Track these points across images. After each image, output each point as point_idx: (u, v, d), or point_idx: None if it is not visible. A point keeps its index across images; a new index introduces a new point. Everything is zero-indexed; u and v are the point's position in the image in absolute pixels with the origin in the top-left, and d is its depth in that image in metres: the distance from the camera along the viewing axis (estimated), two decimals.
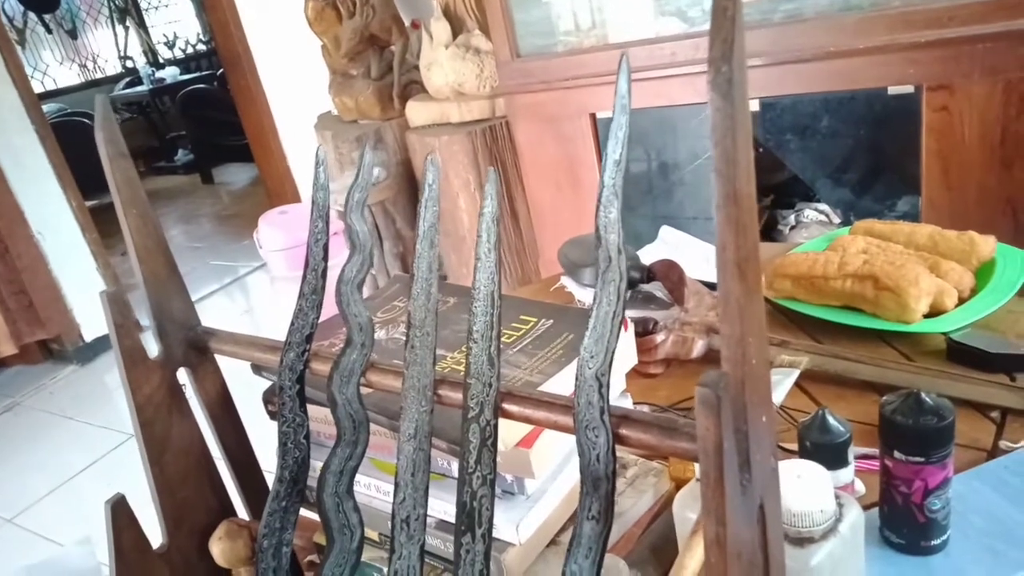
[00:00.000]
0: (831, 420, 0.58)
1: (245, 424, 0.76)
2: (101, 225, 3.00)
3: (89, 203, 3.09)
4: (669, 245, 1.23)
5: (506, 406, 0.50)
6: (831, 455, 0.56)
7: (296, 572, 0.65)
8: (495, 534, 0.60)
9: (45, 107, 3.47)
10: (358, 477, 0.67)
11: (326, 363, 0.59)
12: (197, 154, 5.71)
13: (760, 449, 0.38)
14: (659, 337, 0.95)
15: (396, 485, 0.53)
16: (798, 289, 0.98)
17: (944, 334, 0.88)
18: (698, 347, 0.95)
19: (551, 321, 0.68)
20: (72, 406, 2.73)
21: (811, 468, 0.51)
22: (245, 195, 5.09)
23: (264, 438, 0.74)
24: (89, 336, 3.01)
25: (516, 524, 0.60)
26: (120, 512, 0.66)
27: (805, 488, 0.50)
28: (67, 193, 2.96)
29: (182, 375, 0.71)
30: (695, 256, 1.19)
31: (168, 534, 0.70)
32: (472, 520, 0.49)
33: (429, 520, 0.64)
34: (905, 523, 0.61)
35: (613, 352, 0.44)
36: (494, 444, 0.50)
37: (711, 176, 0.33)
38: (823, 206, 2.04)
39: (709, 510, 0.35)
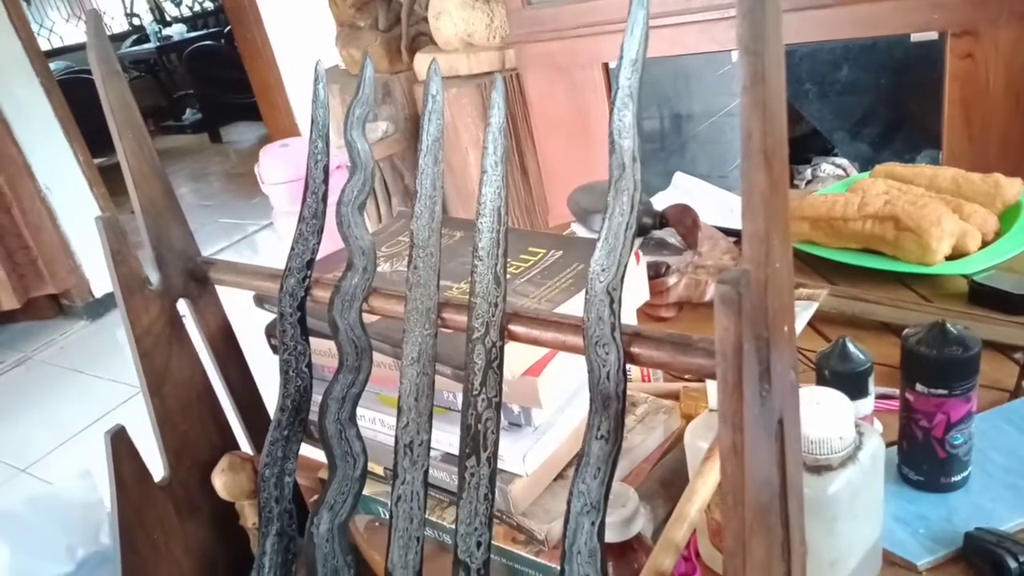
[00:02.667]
0: (852, 348, 0.55)
1: (248, 362, 0.75)
2: (109, 184, 2.98)
3: (97, 161, 3.07)
4: (682, 191, 1.20)
5: (513, 327, 0.48)
6: (851, 385, 0.54)
7: (299, 504, 0.64)
8: (501, 466, 0.59)
9: (52, 65, 3.43)
10: (363, 411, 0.66)
11: (327, 290, 0.57)
12: (205, 113, 5.66)
13: (781, 360, 0.36)
14: (671, 280, 0.93)
15: (399, 410, 0.51)
16: (816, 232, 0.95)
17: (966, 276, 0.85)
18: (711, 290, 0.93)
19: (560, 252, 0.66)
20: (82, 360, 2.74)
21: (830, 394, 0.49)
22: (253, 154, 5.04)
23: (268, 376, 0.73)
24: (99, 292, 3.01)
25: (523, 455, 0.58)
26: (120, 443, 0.65)
27: (824, 414, 0.48)
28: (74, 147, 2.94)
29: (183, 308, 0.70)
30: (709, 203, 1.16)
31: (170, 467, 0.69)
32: (477, 443, 0.48)
33: (434, 453, 0.63)
34: (925, 459, 0.59)
35: (626, 266, 0.42)
36: (500, 366, 0.48)
37: (738, 62, 0.31)
38: (841, 160, 2.00)
39: (726, 417, 0.33)
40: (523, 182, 2.39)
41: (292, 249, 0.57)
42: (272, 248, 3.28)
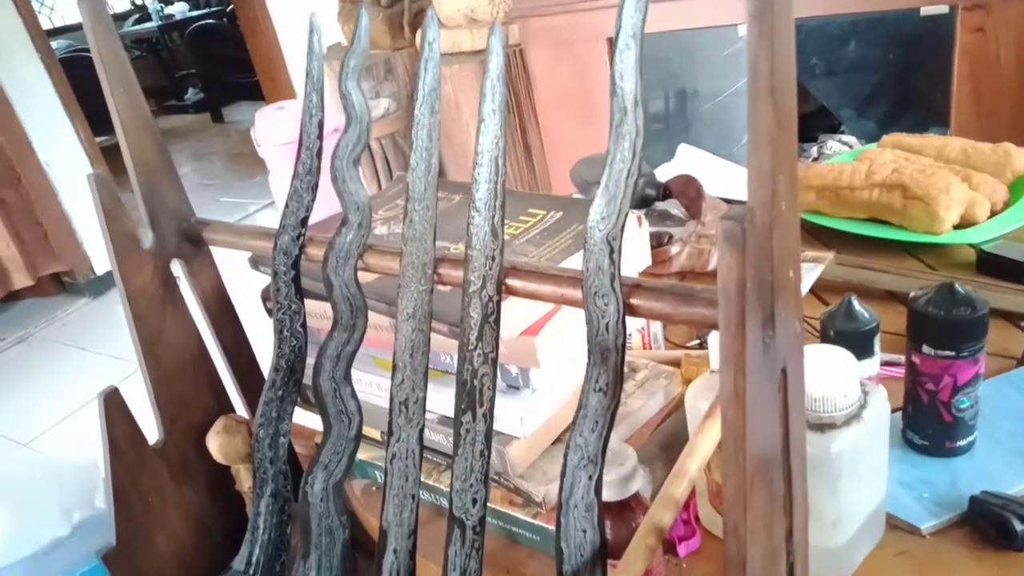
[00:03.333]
0: (858, 307, 0.54)
1: (244, 328, 0.74)
2: (110, 163, 2.97)
3: (99, 140, 3.05)
4: (686, 163, 1.19)
5: (510, 281, 0.47)
6: (857, 344, 0.53)
7: (295, 469, 0.63)
8: (499, 427, 0.58)
9: (54, 43, 3.41)
10: (359, 374, 0.65)
11: (322, 248, 0.56)
12: (207, 93, 5.63)
13: (786, 306, 0.35)
14: (674, 249, 0.92)
15: (394, 367, 0.50)
16: (822, 201, 0.94)
17: (974, 246, 0.84)
18: (714, 260, 0.91)
19: (560, 213, 0.64)
20: (84, 337, 2.74)
21: (835, 351, 0.48)
22: None
23: (264, 341, 0.72)
24: (100, 269, 3.00)
25: (520, 417, 0.57)
26: (113, 405, 0.64)
27: (828, 371, 0.47)
28: (75, 125, 2.92)
29: (177, 271, 0.69)
30: (714, 174, 1.14)
31: (164, 430, 0.68)
32: (473, 399, 0.47)
33: (431, 416, 0.62)
34: (930, 423, 0.58)
35: (626, 215, 0.41)
36: (496, 321, 0.47)
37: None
38: (847, 137, 1.97)
39: (728, 361, 0.32)
40: (526, 160, 2.37)
41: (286, 206, 0.56)
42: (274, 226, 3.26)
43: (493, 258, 0.46)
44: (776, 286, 0.33)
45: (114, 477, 0.64)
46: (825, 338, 0.56)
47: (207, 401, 0.71)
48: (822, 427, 0.46)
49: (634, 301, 0.41)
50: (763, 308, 0.33)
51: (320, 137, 0.56)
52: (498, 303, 0.46)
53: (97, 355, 2.55)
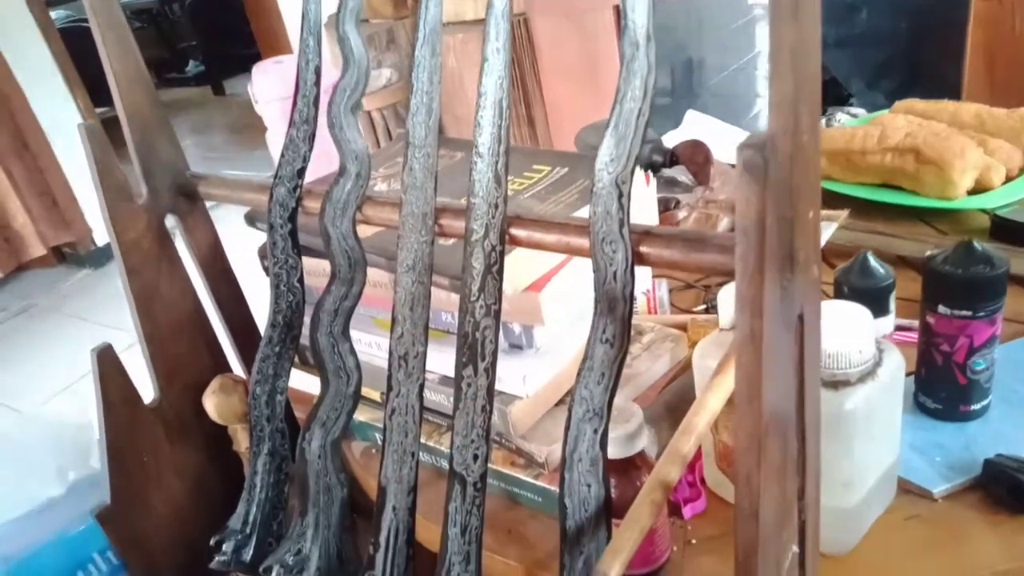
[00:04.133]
0: (873, 263, 0.52)
1: (241, 287, 0.72)
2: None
3: (99, 111, 3.02)
4: (694, 130, 1.16)
5: (514, 231, 0.45)
6: (872, 301, 0.51)
7: (292, 426, 0.62)
8: (501, 387, 0.57)
9: (53, 14, 3.36)
10: (358, 335, 0.63)
11: (319, 200, 0.54)
12: (208, 65, 5.57)
13: (804, 248, 0.33)
14: (681, 214, 0.90)
15: (393, 320, 0.49)
16: (833, 167, 0.91)
17: (988, 211, 0.82)
18: (723, 224, 0.89)
19: (566, 169, 0.63)
20: (85, 308, 2.73)
21: (850, 307, 0.46)
22: None
23: (261, 303, 0.70)
24: (101, 240, 2.99)
25: (523, 376, 0.56)
26: (106, 361, 0.63)
27: (843, 327, 0.45)
28: (74, 94, 2.89)
29: (174, 229, 0.67)
30: (722, 140, 1.12)
31: (160, 389, 0.67)
32: (474, 352, 0.45)
33: (431, 376, 0.61)
34: (944, 386, 0.56)
35: (636, 157, 0.39)
36: (499, 272, 0.45)
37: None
38: (856, 110, 1.93)
39: (744, 303, 0.30)
40: (530, 133, 2.34)
41: (282, 156, 0.54)
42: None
43: (496, 206, 0.44)
44: (796, 225, 0.31)
45: (108, 435, 0.63)
46: (839, 295, 0.54)
47: (203, 361, 0.69)
48: (836, 384, 0.45)
49: (643, 249, 0.39)
50: (782, 248, 0.31)
51: (317, 84, 0.54)
52: (501, 253, 0.45)
53: (98, 326, 2.54)
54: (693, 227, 0.90)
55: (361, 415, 0.67)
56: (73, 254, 3.03)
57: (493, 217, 0.44)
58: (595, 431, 0.41)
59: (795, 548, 0.39)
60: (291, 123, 0.54)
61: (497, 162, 0.44)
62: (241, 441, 0.68)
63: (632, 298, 0.40)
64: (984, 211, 0.83)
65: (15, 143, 2.72)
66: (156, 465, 0.67)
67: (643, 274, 0.71)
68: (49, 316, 2.77)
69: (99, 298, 2.78)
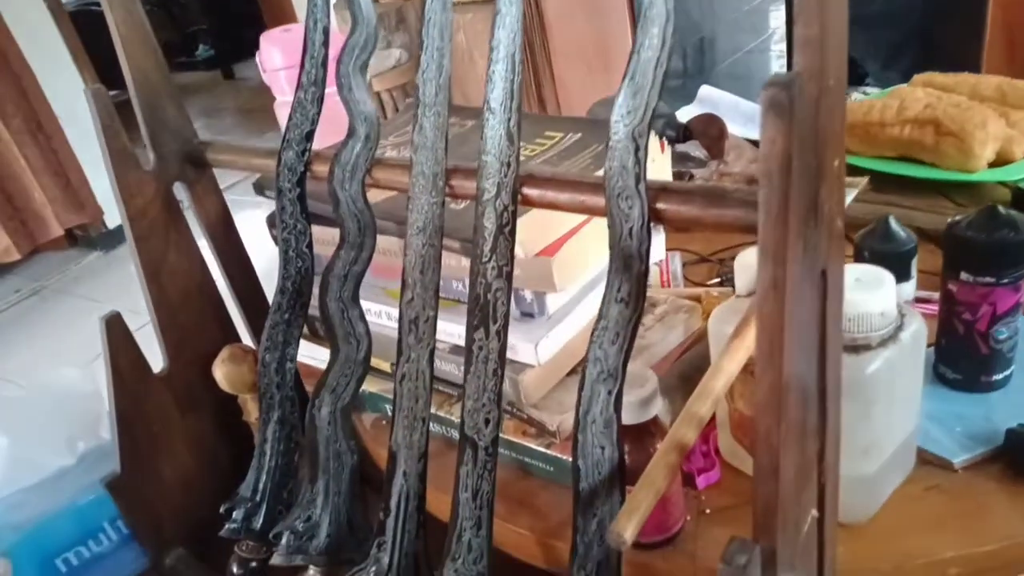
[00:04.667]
0: (895, 227, 0.51)
1: (250, 258, 0.71)
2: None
3: (111, 94, 3.01)
4: (708, 105, 1.14)
5: (527, 190, 0.44)
6: (894, 265, 0.50)
7: (301, 396, 0.61)
8: (512, 356, 0.56)
9: None
10: (368, 304, 0.63)
11: (328, 165, 0.53)
12: (218, 49, 5.56)
13: (829, 199, 0.32)
14: None
15: (403, 284, 0.48)
16: (851, 139, 0.90)
17: (1010, 184, 0.80)
18: None
19: (579, 135, 0.61)
20: (96, 290, 2.74)
21: (871, 270, 0.45)
22: (266, 90, 4.97)
23: (270, 276, 0.69)
24: (112, 223, 3.00)
25: (535, 344, 0.55)
26: (115, 329, 0.62)
27: (864, 290, 0.44)
28: (84, 77, 2.89)
29: (182, 198, 0.66)
30: (736, 115, 1.10)
31: (169, 359, 0.66)
32: (486, 314, 0.44)
33: (442, 345, 0.60)
34: (965, 356, 0.55)
35: (654, 110, 0.38)
36: (512, 233, 0.44)
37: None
38: (872, 89, 1.91)
39: (767, 250, 0.29)
40: (540, 113, 2.32)
41: (290, 119, 0.54)
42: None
43: (508, 164, 0.43)
44: (821, 173, 0.30)
45: (117, 403, 0.62)
46: (860, 260, 0.53)
47: (212, 331, 0.69)
48: (856, 348, 0.44)
49: (660, 205, 0.38)
50: (806, 195, 0.30)
51: (326, 45, 0.53)
52: (513, 213, 0.44)
53: (109, 307, 2.55)
54: None
55: (371, 386, 0.67)
56: (84, 236, 3.04)
57: (505, 176, 0.43)
58: (609, 392, 0.40)
59: (814, 512, 0.38)
60: (299, 85, 0.53)
61: (510, 119, 0.43)
62: (251, 411, 0.68)
63: (648, 256, 0.39)
64: (1005, 183, 0.81)
65: (29, 124, 2.72)
66: (165, 435, 0.67)
67: (656, 246, 0.70)
68: (60, 298, 2.78)
69: (110, 280, 2.79)
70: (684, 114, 1.15)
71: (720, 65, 3.14)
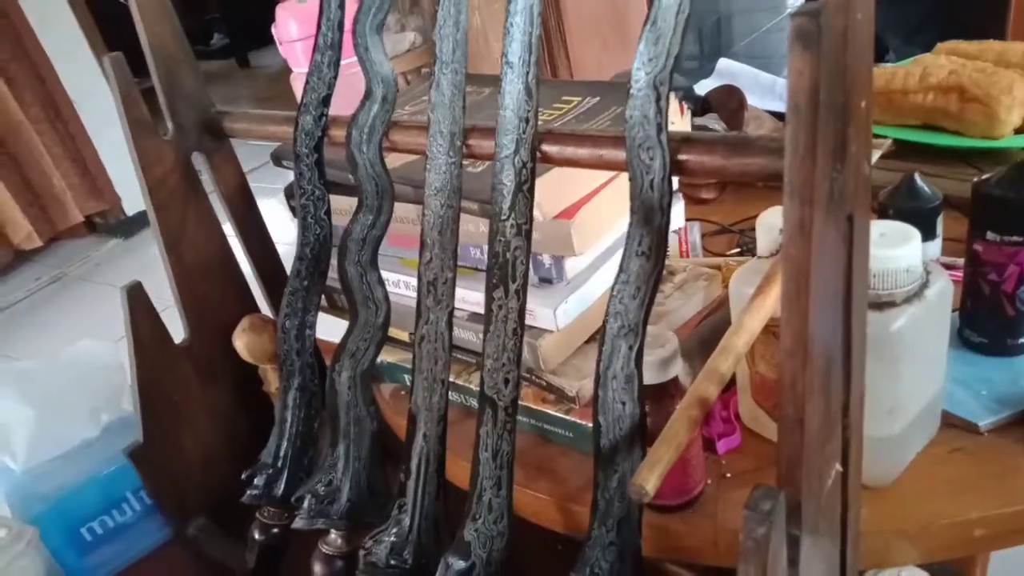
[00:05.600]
0: (920, 184, 0.50)
1: (268, 230, 0.72)
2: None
3: None
4: (726, 77, 1.13)
5: (545, 147, 0.44)
6: (919, 223, 0.49)
7: (320, 365, 0.61)
8: (531, 322, 0.56)
9: None
10: (386, 274, 0.62)
11: (345, 129, 0.53)
12: (233, 37, 5.57)
13: (856, 141, 0.31)
14: None
15: (422, 245, 0.48)
16: (873, 108, 0.88)
17: None
18: None
19: (597, 98, 0.61)
20: (117, 277, 2.77)
21: (896, 226, 0.44)
22: (282, 77, 4.95)
23: (289, 250, 0.69)
24: (131, 210, 3.02)
25: (554, 309, 0.55)
26: (136, 299, 0.63)
27: (889, 246, 0.43)
28: (101, 63, 2.90)
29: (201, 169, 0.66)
30: (755, 88, 1.09)
31: (190, 329, 0.67)
32: (505, 273, 0.44)
33: (460, 313, 0.60)
34: (991, 319, 0.54)
35: (676, 58, 0.37)
36: (531, 190, 0.44)
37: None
38: (891, 66, 1.88)
39: (794, 189, 0.29)
40: None
41: (307, 83, 0.53)
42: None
43: (527, 120, 0.43)
44: (848, 112, 0.30)
45: (139, 373, 0.63)
46: (884, 218, 0.52)
47: (232, 301, 0.69)
48: (881, 305, 0.43)
49: (682, 156, 0.38)
50: (833, 133, 0.29)
51: (342, 7, 0.52)
52: (532, 171, 0.43)
53: None
54: None
55: (390, 356, 0.67)
56: (104, 224, 3.07)
57: (523, 132, 0.43)
58: (630, 347, 0.39)
59: (838, 467, 0.38)
60: (315, 48, 0.53)
61: (528, 72, 0.42)
62: (272, 381, 0.68)
63: (670, 209, 0.38)
64: None
65: (47, 111, 2.74)
66: (187, 405, 0.67)
67: (676, 215, 0.70)
68: (81, 284, 2.81)
69: (130, 266, 2.82)
70: (702, 88, 1.13)
71: (737, 45, 3.10)
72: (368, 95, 0.50)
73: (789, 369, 0.31)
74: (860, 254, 0.35)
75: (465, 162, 0.51)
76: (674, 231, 0.72)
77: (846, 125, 0.30)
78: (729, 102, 0.99)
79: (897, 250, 0.43)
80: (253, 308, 0.71)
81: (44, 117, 2.73)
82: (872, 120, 0.34)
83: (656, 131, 0.37)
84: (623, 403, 0.40)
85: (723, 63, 1.15)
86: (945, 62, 0.88)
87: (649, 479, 0.35)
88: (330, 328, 0.73)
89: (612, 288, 0.39)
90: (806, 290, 0.30)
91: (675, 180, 0.66)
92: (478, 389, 0.51)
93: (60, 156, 2.79)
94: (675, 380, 0.47)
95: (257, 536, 0.60)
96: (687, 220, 0.77)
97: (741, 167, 0.36)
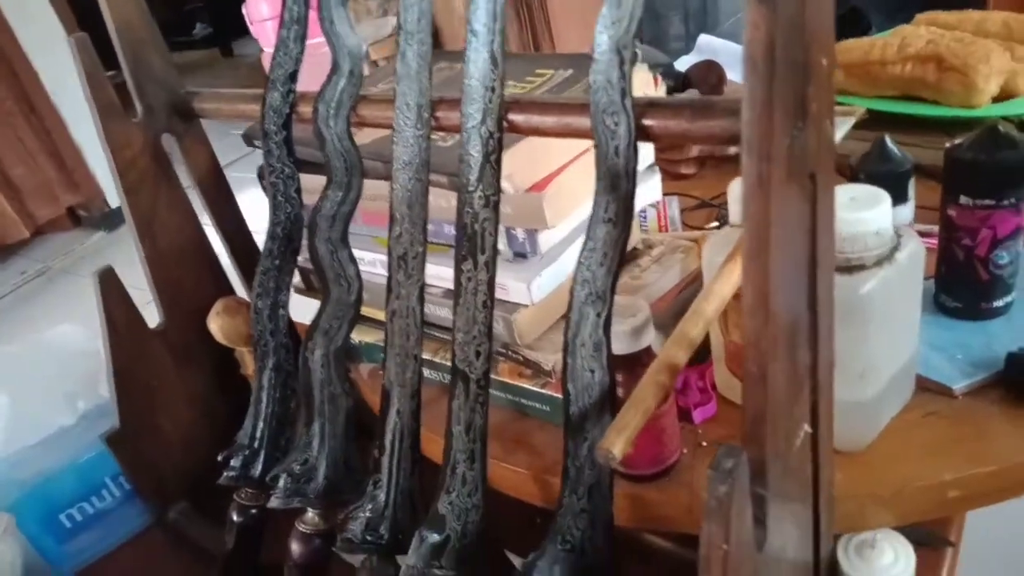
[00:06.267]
0: (891, 147, 0.50)
1: (241, 210, 0.71)
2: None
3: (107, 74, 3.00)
4: (707, 53, 1.13)
5: (512, 116, 0.43)
6: (891, 187, 0.49)
7: (295, 340, 0.61)
8: (505, 296, 0.55)
9: None
10: (360, 253, 0.62)
11: (312, 104, 0.52)
12: (216, 27, 5.51)
13: (817, 100, 0.31)
14: None
15: (391, 219, 0.47)
16: (850, 80, 0.88)
17: (1014, 118, 0.78)
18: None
19: (570, 71, 0.60)
20: None
21: (866, 189, 0.44)
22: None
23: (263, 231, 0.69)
24: (114, 202, 2.99)
25: (528, 283, 0.54)
26: (109, 284, 0.62)
27: (859, 209, 0.43)
28: (65, 28, 2.86)
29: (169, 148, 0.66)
30: (735, 63, 1.08)
31: (164, 313, 0.66)
32: (474, 245, 0.44)
33: (434, 291, 0.59)
34: (965, 283, 0.54)
35: (639, 21, 0.37)
36: (498, 161, 0.43)
37: None
38: (870, 38, 1.88)
39: (752, 145, 0.28)
40: None
41: (273, 59, 0.53)
42: None
43: (493, 89, 0.42)
44: (808, 70, 0.29)
45: (114, 357, 0.62)
46: (855, 182, 0.52)
47: (206, 285, 0.69)
48: (851, 268, 0.43)
49: (648, 121, 0.37)
50: (792, 89, 0.29)
51: None
52: (499, 141, 0.43)
53: None
54: (705, 146, 0.88)
55: (367, 336, 0.66)
56: (88, 217, 3.04)
57: (490, 101, 0.42)
58: (598, 315, 0.39)
59: (807, 427, 0.38)
60: (281, 23, 0.52)
61: (493, 41, 0.42)
62: (248, 364, 0.68)
63: (635, 175, 0.38)
64: (1008, 118, 0.79)
65: (21, 105, 2.71)
66: (164, 389, 0.67)
67: (653, 188, 0.69)
68: (66, 278, 2.79)
69: (115, 259, 2.77)
70: (683, 64, 1.13)
71: (723, 25, 3.09)
72: (335, 69, 0.50)
73: (752, 327, 0.31)
74: (824, 214, 0.34)
75: (435, 135, 0.50)
76: (652, 205, 0.71)
77: (806, 83, 0.30)
78: (709, 77, 0.98)
79: (867, 212, 0.42)
80: (229, 291, 0.71)
81: (19, 112, 2.69)
82: (835, 78, 0.33)
83: (620, 95, 0.37)
84: (592, 371, 0.39)
85: (703, 39, 1.15)
86: (924, 32, 0.88)
87: (616, 443, 0.35)
88: (309, 311, 0.73)
89: (579, 255, 0.39)
90: (766, 247, 0.29)
91: (652, 153, 0.66)
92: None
93: (36, 150, 2.76)
94: (648, 350, 0.47)
95: (235, 517, 0.60)
96: (665, 195, 0.77)
97: (706, 130, 0.36)
